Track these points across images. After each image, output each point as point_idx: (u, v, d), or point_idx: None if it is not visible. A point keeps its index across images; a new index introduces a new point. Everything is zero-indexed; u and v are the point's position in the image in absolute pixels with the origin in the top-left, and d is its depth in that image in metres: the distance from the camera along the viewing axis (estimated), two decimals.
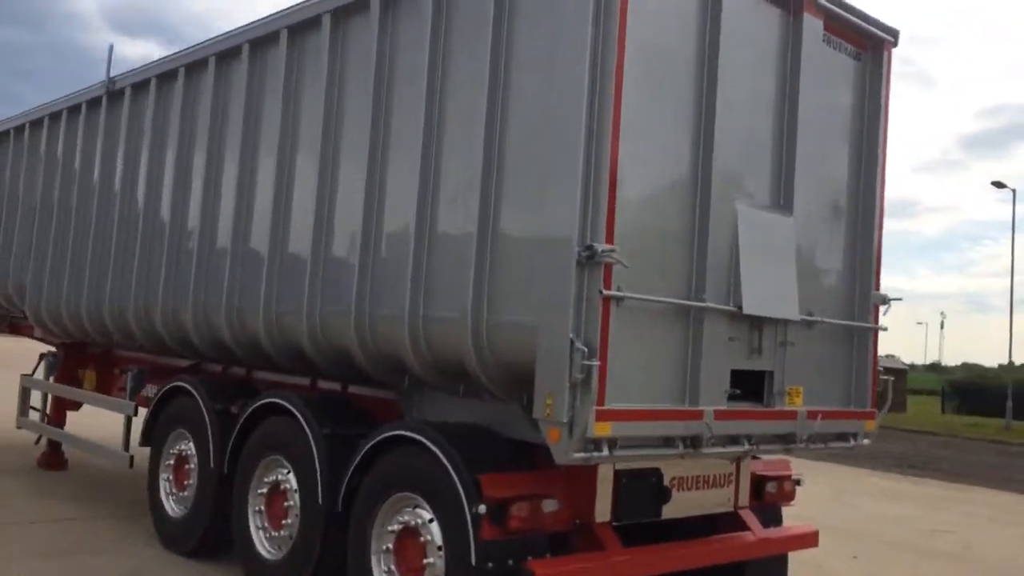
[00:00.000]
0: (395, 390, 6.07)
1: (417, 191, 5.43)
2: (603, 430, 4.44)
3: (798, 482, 6.47)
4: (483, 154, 5.05)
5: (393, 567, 5.36)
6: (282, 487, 6.27)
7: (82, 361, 10.50)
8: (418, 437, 5.19)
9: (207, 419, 7.03)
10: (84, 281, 8.96)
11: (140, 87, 8.58)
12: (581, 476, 5.09)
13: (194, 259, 7.43)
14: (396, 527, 5.35)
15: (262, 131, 7.02)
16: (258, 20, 7.05)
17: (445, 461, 5.00)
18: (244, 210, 7.05)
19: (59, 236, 9.65)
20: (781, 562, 6.35)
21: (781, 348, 5.41)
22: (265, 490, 6.43)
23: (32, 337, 11.89)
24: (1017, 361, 38.36)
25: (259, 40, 7.04)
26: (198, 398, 7.18)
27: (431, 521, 5.14)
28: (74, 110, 9.74)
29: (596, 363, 4.37)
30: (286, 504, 6.21)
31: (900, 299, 5.99)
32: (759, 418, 5.31)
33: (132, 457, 8.07)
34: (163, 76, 8.22)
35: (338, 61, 6.30)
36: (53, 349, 10.87)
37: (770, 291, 5.25)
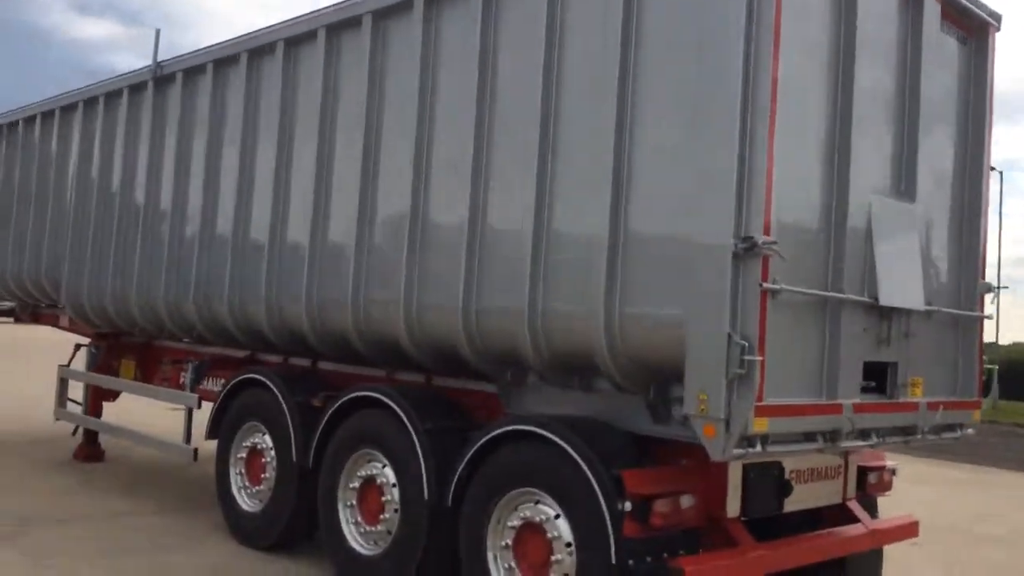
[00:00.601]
0: (496, 383, 5.93)
1: (535, 183, 5.29)
2: (761, 426, 4.35)
3: (894, 471, 6.43)
4: (613, 143, 4.93)
5: (513, 564, 5.26)
6: (377, 481, 6.14)
7: (118, 352, 10.29)
8: (544, 432, 5.07)
9: (287, 412, 6.87)
10: (133, 272, 8.74)
11: (194, 72, 8.35)
12: (712, 471, 5.01)
13: (265, 250, 7.25)
14: (516, 523, 5.24)
15: (339, 119, 6.84)
16: (335, 4, 6.84)
17: (576, 456, 4.89)
18: (322, 200, 6.86)
19: (101, 226, 9.41)
20: (879, 553, 6.32)
21: (904, 339, 5.35)
22: (357, 484, 6.29)
23: (57, 327, 11.67)
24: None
25: (338, 25, 6.84)
26: (276, 390, 7.01)
27: (557, 517, 5.04)
28: (114, 96, 9.48)
29: (758, 358, 4.27)
30: (383, 499, 6.08)
31: (1007, 287, 5.96)
32: (887, 410, 5.25)
33: (196, 450, 7.89)
34: (222, 61, 7.99)
35: (432, 48, 6.13)
36: (87, 340, 10.63)
37: (901, 281, 5.19)
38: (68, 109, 10.28)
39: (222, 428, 7.59)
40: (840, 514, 5.91)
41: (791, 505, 5.41)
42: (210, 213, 7.98)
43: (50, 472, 9.60)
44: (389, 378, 6.98)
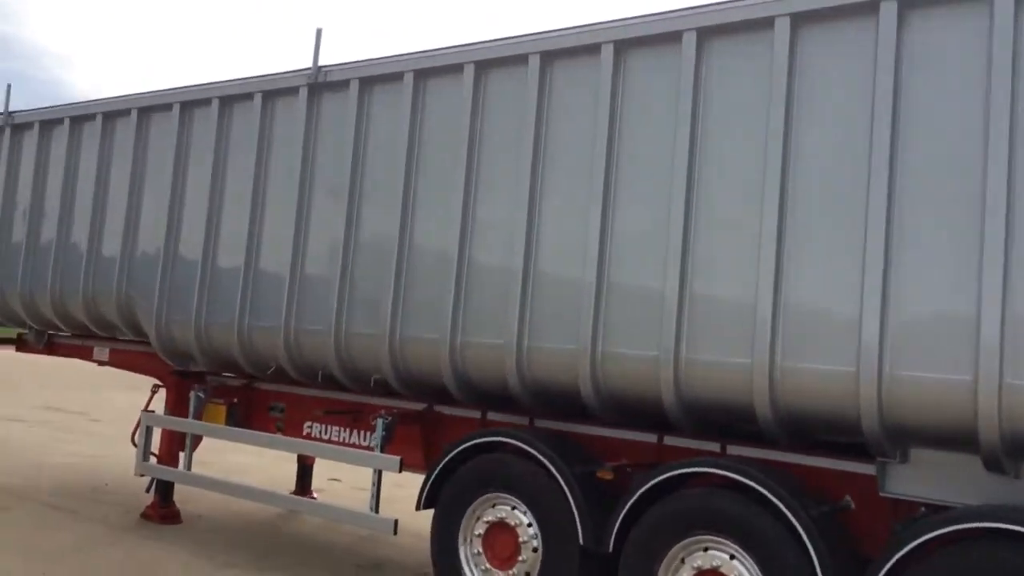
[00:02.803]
0: (882, 459, 5.21)
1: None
2: None
3: None
4: None
5: None
6: (729, 575, 5.30)
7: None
8: None
9: (565, 485, 5.91)
10: (293, 303, 7.47)
11: (379, 81, 7.23)
12: None
13: (553, 281, 6.21)
14: None
15: (593, 148, 6.01)
16: (663, 13, 5.99)
17: None
18: (609, 232, 5.94)
19: (215, 245, 8.10)
20: None
21: None
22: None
23: (90, 360, 10.11)
24: None
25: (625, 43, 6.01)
26: (543, 458, 6.03)
27: None
28: (234, 100, 8.18)
29: None
30: None
31: None
32: None
33: (396, 522, 6.74)
34: (432, 71, 6.93)
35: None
36: (158, 382, 9.16)
37: None
38: (150, 110, 8.83)
39: (443, 498, 6.52)
40: None
41: None
42: (407, 234, 6.89)
43: (147, 539, 8.08)
44: (658, 444, 6.20)
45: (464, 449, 6.46)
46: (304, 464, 10.23)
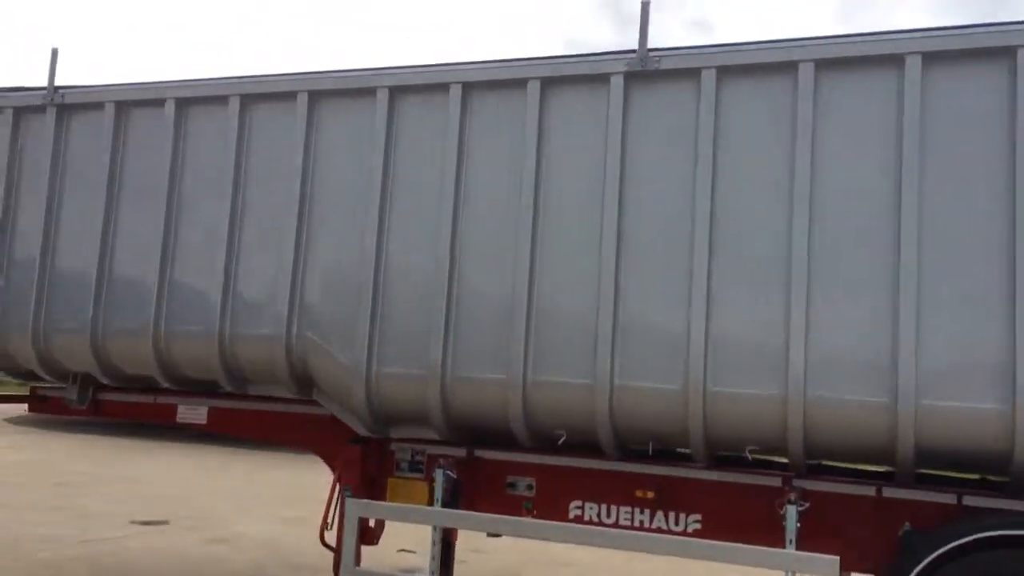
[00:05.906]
0: None
1: None
2: None
3: None
4: None
5: None
6: None
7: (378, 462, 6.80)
8: None
9: None
10: (616, 353, 5.72)
11: (742, 72, 5.69)
12: None
13: None
14: None
15: None
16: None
17: None
18: None
19: (465, 271, 6.18)
20: None
21: None
22: None
23: (172, 423, 7.68)
24: None
25: None
26: None
27: None
28: (477, 88, 6.28)
29: None
30: None
31: None
32: None
33: None
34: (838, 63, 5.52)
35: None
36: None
37: None
38: (324, 95, 6.65)
39: None
40: None
41: None
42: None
43: None
44: None
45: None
46: (446, 541, 8.24)
